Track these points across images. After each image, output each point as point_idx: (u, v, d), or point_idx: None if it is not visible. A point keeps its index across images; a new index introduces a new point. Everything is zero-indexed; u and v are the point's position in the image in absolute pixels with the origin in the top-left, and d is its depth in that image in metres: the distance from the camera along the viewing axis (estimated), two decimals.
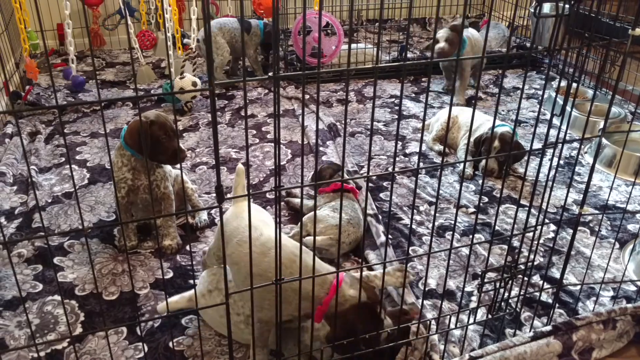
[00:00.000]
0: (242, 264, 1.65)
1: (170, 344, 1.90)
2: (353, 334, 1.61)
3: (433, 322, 1.91)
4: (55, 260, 2.29)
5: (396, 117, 3.63)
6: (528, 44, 4.75)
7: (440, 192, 2.81)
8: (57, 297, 2.11)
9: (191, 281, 2.18)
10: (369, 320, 1.63)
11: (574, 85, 3.81)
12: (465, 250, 2.36)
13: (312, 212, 1.65)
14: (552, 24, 1.25)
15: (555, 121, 3.44)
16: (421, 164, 3.10)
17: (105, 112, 3.69)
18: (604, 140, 3.11)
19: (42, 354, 1.86)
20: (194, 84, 3.54)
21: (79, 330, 1.98)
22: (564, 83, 2.53)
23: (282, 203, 2.65)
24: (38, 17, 1.10)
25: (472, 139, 3.05)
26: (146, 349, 1.89)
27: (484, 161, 2.87)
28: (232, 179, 2.92)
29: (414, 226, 2.54)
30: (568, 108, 3.37)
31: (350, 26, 1.12)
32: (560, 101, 3.25)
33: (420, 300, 1.97)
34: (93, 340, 1.93)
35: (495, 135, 2.86)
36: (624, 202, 2.74)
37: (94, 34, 4.63)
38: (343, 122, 3.07)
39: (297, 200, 2.61)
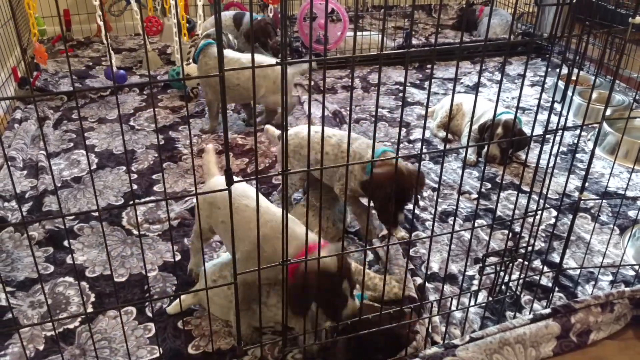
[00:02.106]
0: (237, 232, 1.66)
1: (180, 324, 1.95)
2: (307, 295, 1.60)
3: (435, 304, 1.96)
4: (65, 243, 2.34)
5: (401, 103, 3.66)
6: (531, 31, 4.75)
7: (444, 178, 2.85)
8: (68, 279, 2.17)
9: None
10: (328, 288, 1.62)
11: (579, 72, 3.83)
12: (467, 235, 2.40)
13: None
14: (556, 10, 1.27)
15: (560, 108, 3.46)
16: (425, 150, 3.13)
17: (112, 98, 3.73)
18: (607, 128, 3.13)
19: (54, 332, 1.92)
20: None
21: (89, 310, 2.03)
22: (567, 70, 2.55)
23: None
24: (56, 3, 1.13)
25: (475, 126, 3.08)
26: (155, 328, 1.94)
27: (486, 148, 2.90)
28: (238, 164, 2.96)
29: (417, 212, 2.58)
30: (571, 95, 3.39)
31: (356, 13, 1.15)
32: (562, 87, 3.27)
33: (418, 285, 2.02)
34: (103, 320, 1.98)
35: (499, 122, 2.89)
36: (625, 188, 2.77)
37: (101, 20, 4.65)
38: (348, 108, 3.09)
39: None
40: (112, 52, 3.72)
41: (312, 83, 3.95)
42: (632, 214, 2.58)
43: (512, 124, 2.09)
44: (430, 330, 1.89)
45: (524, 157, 3.06)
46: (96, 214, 2.48)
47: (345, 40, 4.21)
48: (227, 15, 4.10)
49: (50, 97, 3.63)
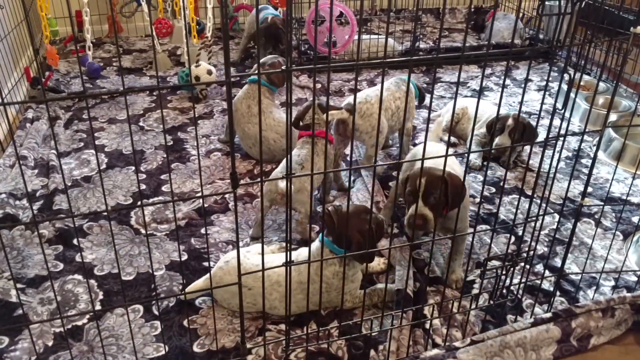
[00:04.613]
0: None
1: (185, 323, 1.99)
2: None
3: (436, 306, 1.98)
4: (75, 241, 2.38)
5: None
6: (540, 36, 4.76)
7: None
8: (77, 276, 2.21)
9: (205, 263, 2.27)
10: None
11: (585, 78, 3.83)
12: (470, 239, 2.42)
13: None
14: (557, 19, 1.29)
15: (565, 114, 3.47)
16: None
17: (123, 99, 3.78)
18: (612, 134, 3.14)
19: (63, 329, 1.96)
20: (209, 72, 3.61)
21: (97, 307, 2.07)
22: (569, 77, 2.55)
23: None
24: (68, 4, 1.17)
25: (482, 129, 3.10)
26: (162, 326, 1.98)
27: (497, 139, 2.91)
28: (245, 165, 3.00)
29: None
30: (578, 102, 3.40)
31: (361, 17, 1.18)
32: (571, 94, 3.27)
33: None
34: (111, 318, 2.02)
35: (508, 116, 2.93)
36: (630, 194, 2.77)
37: (111, 21, 4.71)
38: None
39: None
40: (91, 44, 3.72)
41: (320, 86, 3.98)
42: (635, 219, 2.59)
43: (522, 118, 2.12)
44: (431, 332, 1.91)
45: (530, 161, 3.07)
46: (105, 213, 2.53)
47: (354, 43, 4.24)
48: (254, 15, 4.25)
49: (61, 96, 3.69)
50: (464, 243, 2.12)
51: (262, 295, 1.70)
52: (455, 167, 2.13)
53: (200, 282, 2.07)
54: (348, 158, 3.04)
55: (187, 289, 2.06)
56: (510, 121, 2.90)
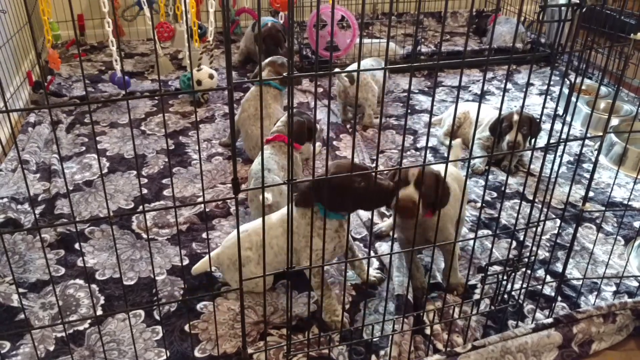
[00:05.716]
0: None
1: (186, 327, 1.99)
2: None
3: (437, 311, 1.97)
4: (77, 246, 2.39)
5: (409, 111, 3.68)
6: (542, 40, 4.76)
7: None
8: (79, 281, 2.22)
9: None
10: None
11: (586, 82, 3.83)
12: (472, 244, 2.42)
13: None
14: (558, 25, 1.30)
15: (566, 118, 3.47)
16: (433, 159, 3.16)
17: (124, 103, 3.78)
18: (614, 138, 3.14)
19: (65, 334, 1.96)
20: (211, 75, 3.62)
21: (99, 312, 2.07)
22: (578, 80, 2.55)
23: None
24: (71, 8, 1.18)
25: (485, 133, 3.10)
26: (163, 331, 1.98)
27: (508, 137, 2.91)
28: (246, 170, 3.00)
29: None
30: (580, 106, 3.41)
31: (362, 22, 1.18)
32: (572, 99, 3.26)
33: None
34: (112, 323, 2.03)
35: (512, 113, 2.94)
36: (632, 199, 2.77)
37: (113, 25, 4.71)
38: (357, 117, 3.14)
39: None
40: (118, 58, 3.72)
41: (322, 90, 3.99)
42: (637, 224, 2.58)
43: (526, 113, 2.10)
44: (432, 337, 1.91)
45: (532, 166, 3.07)
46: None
47: (355, 47, 4.24)
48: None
49: (63, 100, 3.69)
50: (450, 255, 2.11)
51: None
52: (453, 176, 2.12)
53: (205, 262, 2.14)
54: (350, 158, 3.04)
55: (194, 268, 2.13)
56: (515, 117, 2.90)
